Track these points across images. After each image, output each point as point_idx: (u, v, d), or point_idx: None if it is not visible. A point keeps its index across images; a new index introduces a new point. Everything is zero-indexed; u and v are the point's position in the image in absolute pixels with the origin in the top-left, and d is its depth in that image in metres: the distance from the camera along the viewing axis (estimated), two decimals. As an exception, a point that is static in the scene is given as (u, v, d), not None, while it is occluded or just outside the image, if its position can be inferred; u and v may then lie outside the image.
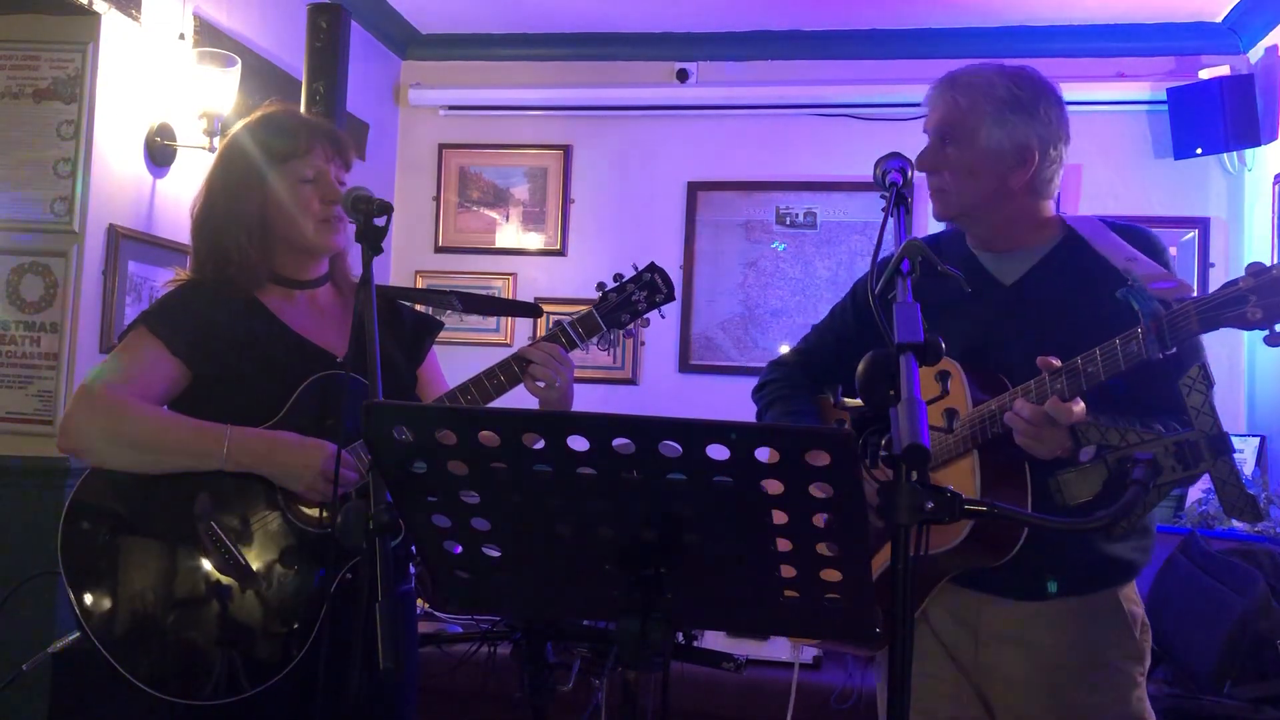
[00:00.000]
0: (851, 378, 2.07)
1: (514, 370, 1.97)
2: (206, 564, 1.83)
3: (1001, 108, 1.84)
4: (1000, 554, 1.75)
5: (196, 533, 1.83)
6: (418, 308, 2.23)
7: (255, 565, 1.83)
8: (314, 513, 1.87)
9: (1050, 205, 1.93)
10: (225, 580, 1.82)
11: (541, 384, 1.96)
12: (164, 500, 1.85)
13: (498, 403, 1.96)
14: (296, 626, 1.81)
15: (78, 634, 1.83)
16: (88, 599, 1.82)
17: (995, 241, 1.93)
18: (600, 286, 2.09)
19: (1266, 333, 1.49)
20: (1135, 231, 1.85)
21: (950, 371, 1.84)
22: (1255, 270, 1.49)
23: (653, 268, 2.11)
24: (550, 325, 2.08)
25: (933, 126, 1.91)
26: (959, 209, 1.91)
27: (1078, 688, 1.81)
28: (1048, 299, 1.77)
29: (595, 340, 2.05)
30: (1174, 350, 1.55)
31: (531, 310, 2.31)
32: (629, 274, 2.10)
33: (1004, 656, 1.84)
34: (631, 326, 2.08)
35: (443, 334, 2.23)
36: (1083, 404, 1.63)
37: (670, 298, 2.10)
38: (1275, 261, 1.51)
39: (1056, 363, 1.67)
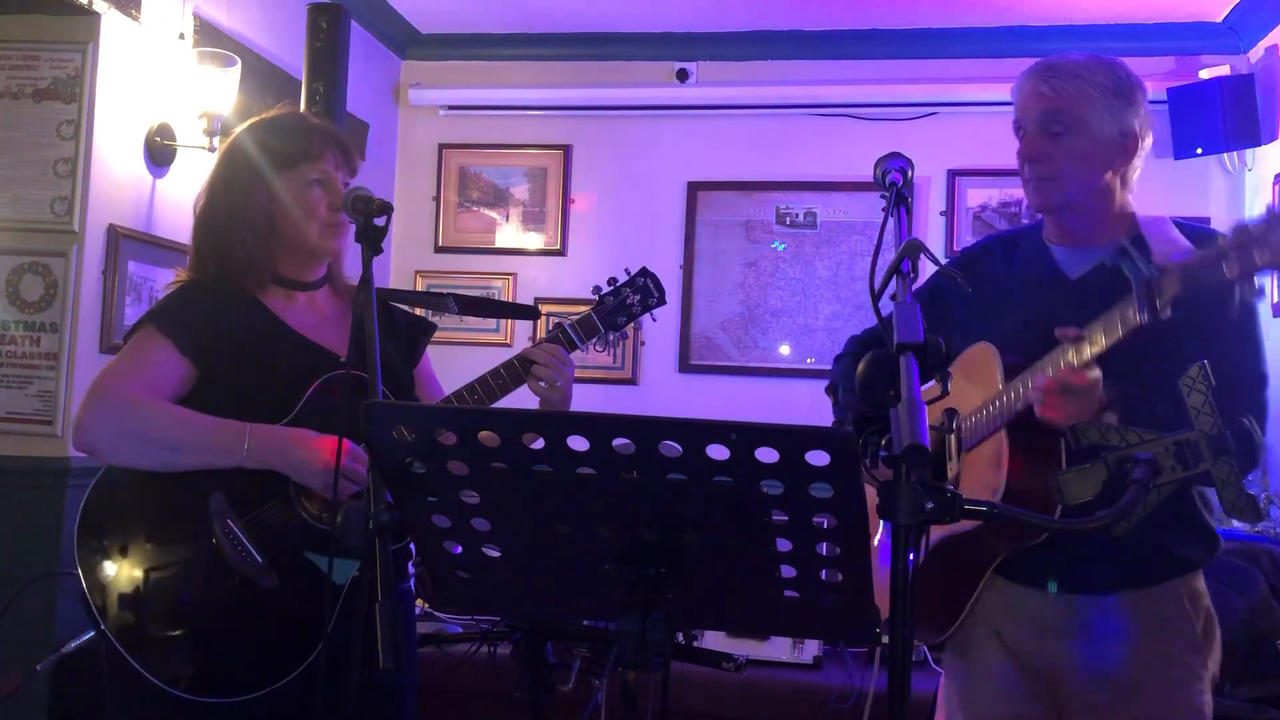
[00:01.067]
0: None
1: (517, 371, 2.00)
2: (222, 562, 1.82)
3: (1108, 95, 1.85)
4: (1031, 531, 1.76)
5: (212, 531, 1.83)
6: (415, 310, 2.24)
7: (271, 563, 1.83)
8: (328, 509, 1.87)
9: (1131, 200, 1.94)
10: (241, 578, 1.82)
11: (544, 384, 2.00)
12: (178, 498, 1.85)
13: (499, 403, 1.98)
14: (312, 623, 1.81)
15: (92, 634, 1.84)
16: (104, 598, 1.82)
17: (1076, 235, 1.93)
18: (596, 290, 2.13)
19: (1250, 289, 1.52)
20: (1201, 231, 1.86)
21: (985, 359, 1.88)
22: (1236, 227, 1.52)
23: (644, 272, 2.14)
24: (550, 326, 2.11)
25: (1035, 116, 1.88)
26: (1065, 198, 1.89)
27: (1142, 678, 1.83)
28: (1107, 296, 1.75)
29: (593, 342, 2.09)
30: (1167, 315, 1.58)
31: (530, 313, 2.35)
32: (622, 277, 2.14)
33: (1069, 649, 1.85)
34: (626, 329, 2.12)
35: (442, 334, 2.25)
36: (1098, 371, 1.65)
37: (662, 301, 2.15)
38: (1257, 218, 1.54)
39: (1073, 332, 1.70)
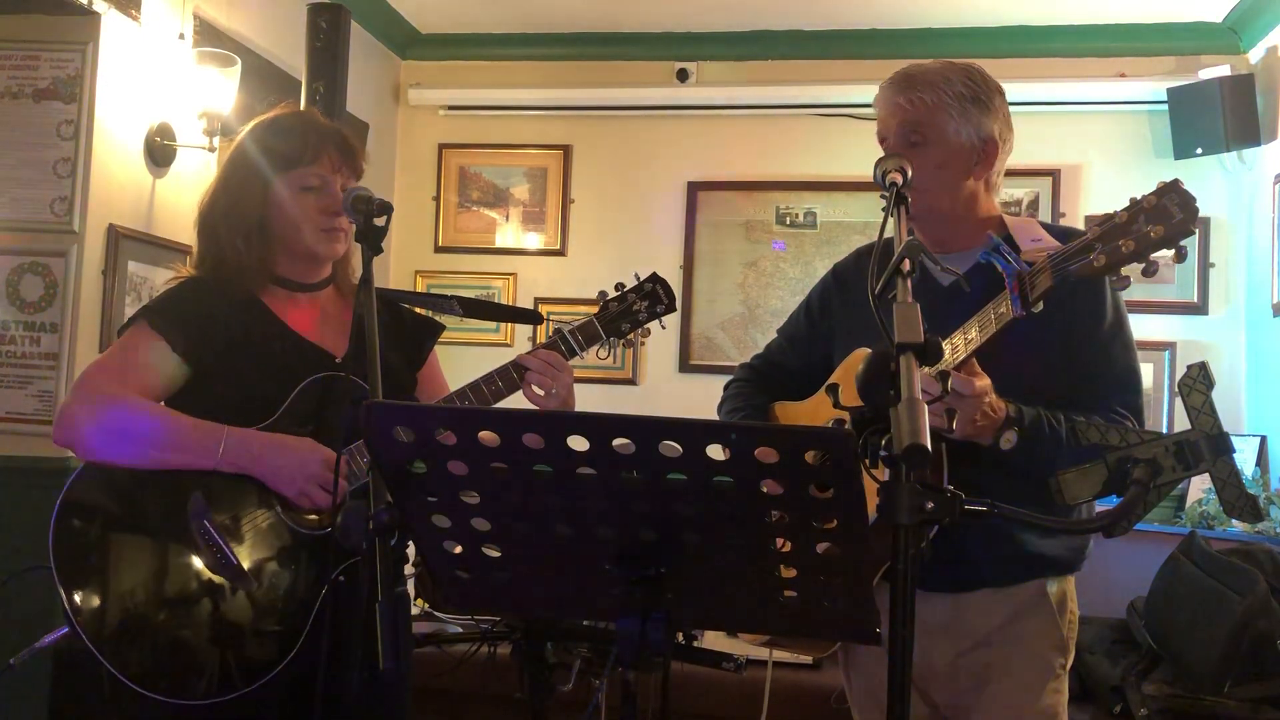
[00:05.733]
0: (797, 379, 2.11)
1: (512, 377, 1.97)
2: (198, 563, 1.81)
3: (963, 102, 1.86)
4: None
5: (189, 531, 1.82)
6: (419, 311, 2.22)
7: (247, 565, 1.82)
8: (308, 513, 1.86)
9: (995, 204, 1.96)
10: (216, 580, 1.81)
11: (539, 391, 1.97)
12: (157, 498, 1.84)
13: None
14: (287, 627, 1.80)
15: (66, 630, 1.83)
16: (78, 595, 1.81)
17: (944, 241, 1.93)
18: (601, 295, 2.08)
19: (1115, 278, 1.58)
20: (1068, 230, 1.87)
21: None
22: (1100, 220, 1.58)
23: (654, 278, 2.10)
24: (550, 330, 2.09)
25: (896, 127, 1.89)
26: (927, 206, 1.88)
27: (999, 674, 1.85)
28: (978, 301, 1.75)
29: (596, 348, 2.07)
30: (1039, 309, 1.63)
31: (532, 317, 2.31)
32: (630, 282, 2.09)
33: (932, 648, 1.86)
34: (631, 336, 2.08)
35: (443, 334, 2.22)
36: (987, 379, 1.66)
37: (671, 309, 2.09)
38: (1132, 204, 1.58)
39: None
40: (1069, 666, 1.90)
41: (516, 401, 1.97)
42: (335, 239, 1.96)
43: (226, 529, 1.83)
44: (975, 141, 1.87)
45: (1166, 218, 1.53)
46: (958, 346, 1.71)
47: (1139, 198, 1.56)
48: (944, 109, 1.85)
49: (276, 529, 1.85)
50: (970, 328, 1.70)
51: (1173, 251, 1.54)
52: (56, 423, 1.90)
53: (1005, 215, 1.94)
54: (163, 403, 1.92)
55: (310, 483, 1.82)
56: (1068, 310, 1.73)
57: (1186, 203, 1.53)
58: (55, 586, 1.82)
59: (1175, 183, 1.55)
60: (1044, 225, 1.87)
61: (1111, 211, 1.57)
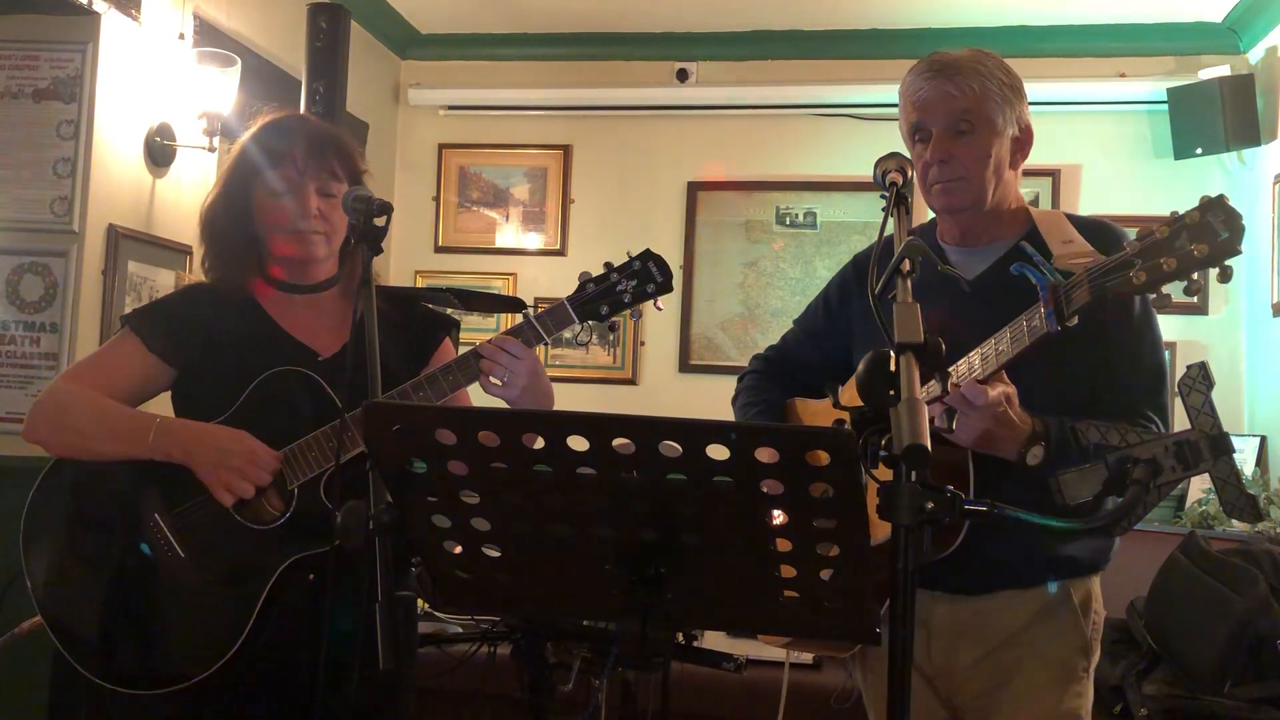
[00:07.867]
0: (815, 374, 2.09)
1: (470, 366, 1.86)
2: (148, 558, 1.84)
3: (1005, 90, 1.83)
4: (944, 545, 1.71)
5: (142, 527, 1.85)
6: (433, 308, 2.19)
7: (193, 560, 1.83)
8: (259, 509, 1.84)
9: (1020, 194, 1.93)
10: (164, 574, 1.83)
11: (496, 381, 1.84)
12: (115, 495, 1.87)
13: (494, 403, 1.94)
14: (230, 623, 1.80)
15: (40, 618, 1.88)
16: (43, 589, 1.86)
17: (974, 234, 1.91)
18: (583, 275, 1.92)
19: (1154, 296, 1.52)
20: (1095, 224, 1.84)
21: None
22: (1141, 234, 1.51)
23: (646, 255, 1.91)
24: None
25: (945, 115, 1.82)
26: (975, 198, 1.84)
27: (1020, 675, 1.82)
28: (1004, 295, 1.71)
29: (574, 333, 1.91)
30: (1074, 323, 1.57)
31: (515, 305, 2.13)
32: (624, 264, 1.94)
33: (954, 651, 1.85)
34: (614, 319, 1.91)
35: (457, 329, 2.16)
36: (1000, 388, 1.61)
37: (666, 288, 1.91)
38: (1174, 219, 1.51)
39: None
40: (1092, 669, 1.86)
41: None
42: (306, 241, 1.92)
43: (174, 522, 1.85)
44: (1016, 130, 1.85)
45: (1211, 235, 1.46)
46: (988, 357, 1.66)
47: (1181, 213, 1.48)
48: (991, 97, 1.81)
49: (225, 524, 1.83)
50: (1002, 338, 1.65)
51: (1216, 271, 1.48)
52: (24, 424, 1.95)
53: (1029, 207, 1.90)
54: (137, 402, 1.94)
55: (231, 474, 1.79)
56: (1096, 319, 1.64)
57: (1232, 220, 1.46)
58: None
59: (1221, 198, 1.48)
60: (1070, 217, 1.82)
61: (1151, 228, 1.50)
